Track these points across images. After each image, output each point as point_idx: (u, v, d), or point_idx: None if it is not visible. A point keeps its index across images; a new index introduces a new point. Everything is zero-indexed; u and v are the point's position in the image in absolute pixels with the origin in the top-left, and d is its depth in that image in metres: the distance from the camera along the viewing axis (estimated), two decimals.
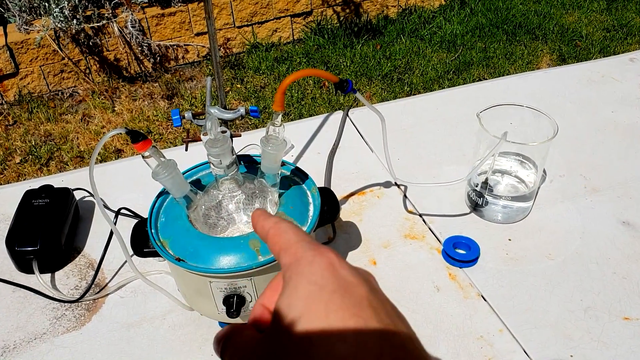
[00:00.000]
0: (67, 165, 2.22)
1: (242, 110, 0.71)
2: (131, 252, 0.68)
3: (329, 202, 0.72)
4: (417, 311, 0.73)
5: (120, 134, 0.59)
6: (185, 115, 0.72)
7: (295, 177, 0.73)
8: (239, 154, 0.76)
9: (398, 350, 0.27)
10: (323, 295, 0.28)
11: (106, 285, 0.80)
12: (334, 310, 0.28)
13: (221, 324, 0.72)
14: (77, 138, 2.39)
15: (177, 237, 0.65)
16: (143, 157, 0.61)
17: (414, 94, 2.62)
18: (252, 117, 0.70)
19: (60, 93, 2.73)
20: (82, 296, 0.77)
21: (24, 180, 2.11)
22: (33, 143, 2.36)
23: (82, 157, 2.27)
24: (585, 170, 0.94)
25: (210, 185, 0.69)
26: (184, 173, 0.73)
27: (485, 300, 0.74)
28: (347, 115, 1.10)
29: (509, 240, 0.82)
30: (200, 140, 0.66)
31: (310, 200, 0.70)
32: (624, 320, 0.70)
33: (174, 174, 0.62)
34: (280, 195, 0.69)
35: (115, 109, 2.58)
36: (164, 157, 0.62)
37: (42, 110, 2.56)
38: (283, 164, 0.75)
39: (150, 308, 0.76)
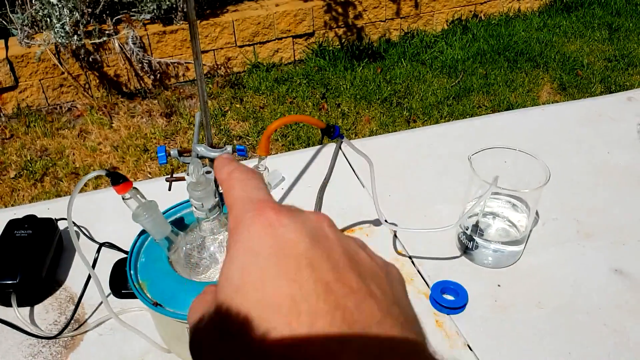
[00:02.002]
0: (62, 181, 2.20)
1: (228, 149, 0.70)
2: (109, 292, 0.66)
3: None
4: None
5: (101, 175, 0.58)
6: (171, 152, 0.71)
7: None
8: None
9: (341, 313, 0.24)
10: (259, 262, 0.26)
11: (85, 321, 0.78)
12: (270, 278, 0.25)
13: None
14: (73, 154, 2.38)
15: (156, 279, 0.64)
16: (123, 199, 0.60)
17: (413, 119, 2.62)
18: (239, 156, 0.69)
19: (58, 107, 2.73)
20: (60, 332, 0.75)
21: (17, 196, 2.10)
22: (29, 158, 2.35)
23: (77, 173, 2.26)
24: (579, 213, 0.93)
25: (192, 225, 0.68)
26: (166, 211, 0.71)
27: (471, 350, 0.72)
28: (340, 148, 1.09)
29: (498, 286, 0.80)
30: (184, 179, 0.64)
31: None
32: None
33: (154, 216, 0.61)
34: None
35: (113, 125, 2.58)
36: (144, 198, 0.61)
37: (39, 124, 2.56)
38: None
39: (129, 348, 0.74)
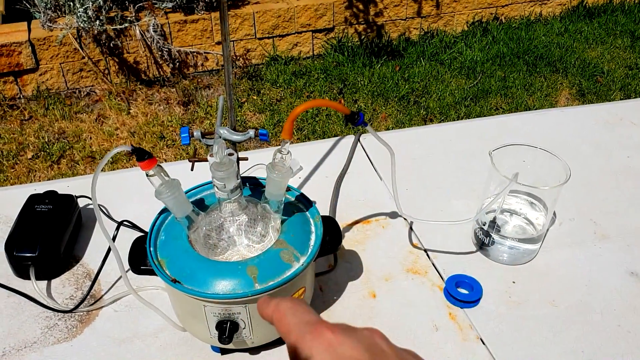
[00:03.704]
0: (78, 164, 2.23)
1: (251, 133, 0.70)
2: (128, 267, 0.67)
3: (332, 232, 0.71)
4: (412, 350, 0.71)
5: (126, 151, 0.59)
6: (194, 133, 0.71)
7: (300, 204, 0.72)
8: (245, 175, 0.76)
9: None
10: None
11: (101, 297, 0.79)
12: None
13: (214, 348, 0.71)
14: (90, 138, 2.40)
15: (175, 257, 0.64)
16: (147, 175, 0.61)
17: (430, 119, 2.61)
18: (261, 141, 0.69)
19: (77, 91, 2.75)
20: (76, 307, 0.76)
21: (33, 177, 2.12)
22: (46, 140, 2.37)
23: (93, 157, 2.28)
24: (596, 215, 0.93)
25: (213, 206, 0.68)
26: (187, 191, 0.72)
27: (484, 343, 0.72)
28: (359, 140, 1.09)
29: (513, 282, 0.80)
30: (207, 160, 0.65)
31: (313, 229, 0.69)
32: None
33: (177, 194, 0.62)
34: (282, 222, 0.68)
35: (131, 111, 2.59)
36: (168, 176, 0.62)
37: (58, 107, 2.58)
38: (288, 189, 0.74)
39: (143, 325, 0.75)
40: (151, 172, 0.60)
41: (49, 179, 2.16)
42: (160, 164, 0.61)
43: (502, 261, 0.83)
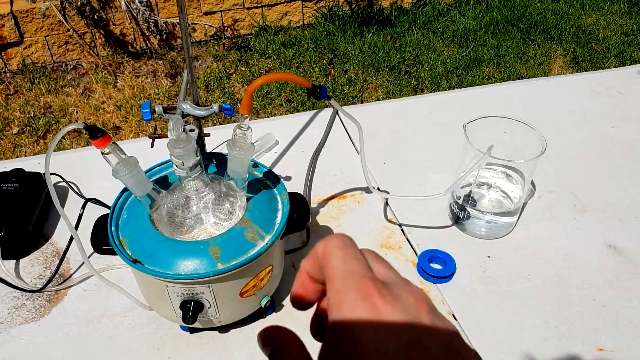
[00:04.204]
0: (64, 139, 2.20)
1: (215, 108, 0.68)
2: (91, 248, 0.65)
3: (299, 209, 0.69)
4: None
5: (79, 128, 0.57)
6: (156, 109, 0.69)
7: (267, 181, 0.70)
8: (213, 151, 0.74)
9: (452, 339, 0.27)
10: (362, 353, 0.26)
11: (70, 276, 0.78)
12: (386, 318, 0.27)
13: (182, 326, 0.70)
14: (77, 112, 2.37)
15: (136, 236, 0.63)
16: (102, 153, 0.59)
17: (421, 89, 2.58)
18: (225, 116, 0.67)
19: (64, 65, 2.70)
20: (44, 286, 0.75)
21: (19, 152, 2.10)
22: (32, 114, 2.34)
23: (79, 132, 2.25)
24: (577, 188, 0.91)
25: (175, 184, 0.67)
26: (150, 169, 0.70)
27: (456, 319, 0.71)
28: (337, 114, 1.07)
29: (488, 257, 0.79)
30: (167, 137, 0.63)
31: (280, 206, 0.67)
32: (597, 352, 0.67)
33: (134, 172, 0.60)
34: (248, 200, 0.66)
35: (117, 84, 2.56)
36: (124, 154, 0.60)
37: (43, 81, 2.54)
38: (256, 165, 0.72)
39: (112, 304, 0.74)
40: (106, 150, 0.58)
41: (34, 154, 2.13)
42: (115, 142, 0.59)
43: (477, 235, 0.82)
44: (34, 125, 2.28)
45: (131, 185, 0.61)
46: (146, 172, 0.71)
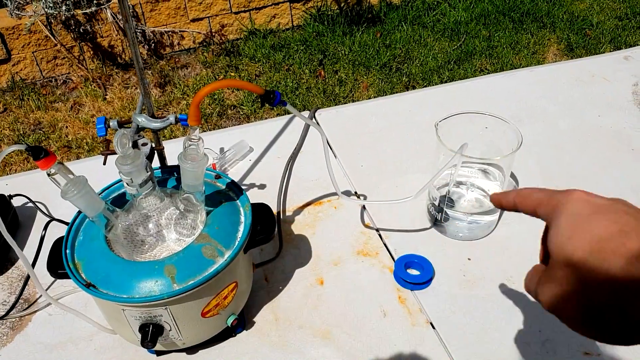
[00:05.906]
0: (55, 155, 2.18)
1: (171, 119, 0.65)
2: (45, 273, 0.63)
3: (265, 220, 0.66)
4: (358, 338, 0.67)
5: (21, 150, 0.54)
6: (111, 123, 0.66)
7: (230, 192, 0.67)
8: (174, 164, 0.71)
9: None
10: (582, 218, 0.35)
11: (35, 301, 0.75)
12: (596, 223, 0.34)
13: (150, 350, 0.67)
14: (66, 127, 2.35)
15: (91, 259, 0.60)
16: (48, 175, 0.56)
17: (412, 85, 2.54)
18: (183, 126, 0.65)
19: (54, 80, 2.69)
20: (7, 314, 0.72)
21: (9, 170, 2.08)
22: (22, 132, 2.32)
23: (69, 146, 2.24)
24: (562, 181, 0.88)
25: (131, 202, 0.64)
26: (107, 188, 0.68)
27: (434, 328, 0.68)
28: (314, 116, 1.04)
29: (469, 259, 0.76)
30: None
31: (242, 219, 0.64)
32: (583, 356, 0.64)
33: (83, 192, 0.57)
34: (208, 214, 0.63)
35: (107, 97, 2.53)
36: (72, 173, 0.57)
37: (33, 97, 2.53)
38: (218, 176, 0.69)
39: (78, 327, 0.71)
40: (52, 171, 0.55)
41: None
42: (61, 162, 0.56)
43: (457, 237, 0.79)
44: (23, 143, 2.26)
45: (82, 205, 0.58)
46: (105, 189, 0.68)
